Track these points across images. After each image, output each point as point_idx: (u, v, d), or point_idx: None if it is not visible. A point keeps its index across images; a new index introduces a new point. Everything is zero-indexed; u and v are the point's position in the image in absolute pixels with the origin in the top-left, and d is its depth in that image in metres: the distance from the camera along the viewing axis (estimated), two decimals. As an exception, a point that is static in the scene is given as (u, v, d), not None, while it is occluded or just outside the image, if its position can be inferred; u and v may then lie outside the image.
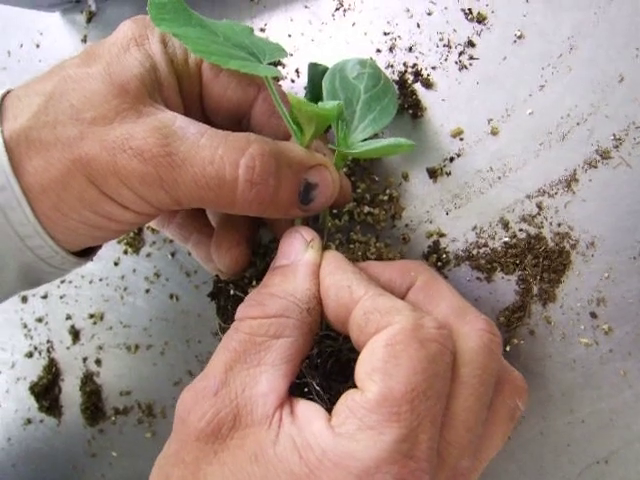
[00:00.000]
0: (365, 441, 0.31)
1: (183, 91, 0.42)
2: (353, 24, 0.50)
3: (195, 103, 0.44)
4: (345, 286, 0.38)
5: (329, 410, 0.47)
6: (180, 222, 0.49)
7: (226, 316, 0.47)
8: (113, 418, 0.60)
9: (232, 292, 0.47)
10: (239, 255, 0.46)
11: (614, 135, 0.42)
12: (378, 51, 0.49)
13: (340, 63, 0.46)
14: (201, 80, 0.43)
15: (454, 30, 0.47)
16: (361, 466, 0.30)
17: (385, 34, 0.49)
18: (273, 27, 0.53)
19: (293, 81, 0.52)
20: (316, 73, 0.41)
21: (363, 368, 0.35)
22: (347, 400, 0.35)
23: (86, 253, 0.44)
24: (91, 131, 0.37)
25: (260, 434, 0.33)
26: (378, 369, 0.33)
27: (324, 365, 0.46)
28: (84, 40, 0.62)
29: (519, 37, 0.45)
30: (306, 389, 0.48)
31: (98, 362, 0.61)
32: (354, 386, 0.45)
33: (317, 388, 0.46)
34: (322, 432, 0.33)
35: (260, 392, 0.35)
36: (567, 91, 0.44)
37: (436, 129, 0.47)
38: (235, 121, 0.45)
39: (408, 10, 0.48)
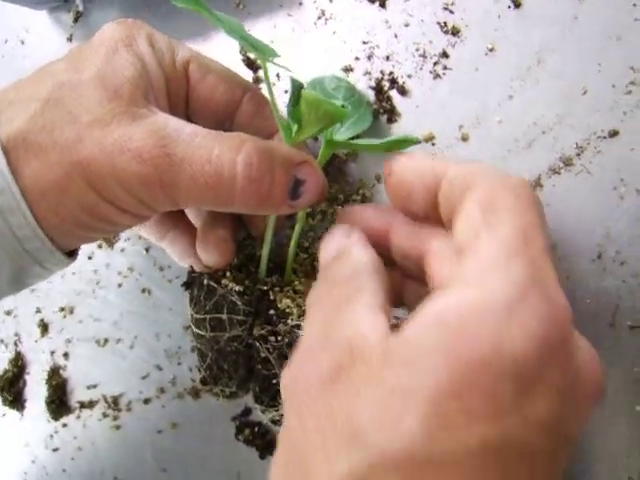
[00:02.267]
0: (493, 288, 0.28)
1: (170, 93, 0.43)
2: (334, 32, 0.52)
3: (180, 105, 0.45)
4: (429, 171, 0.36)
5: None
6: (157, 220, 0.50)
7: (198, 306, 0.48)
8: (78, 412, 0.60)
9: (206, 282, 0.48)
10: (226, 251, 0.47)
11: (576, 144, 0.45)
12: (357, 59, 0.51)
13: (319, 77, 0.50)
14: (188, 82, 0.44)
15: (430, 41, 0.49)
16: (499, 309, 0.27)
17: (364, 43, 0.51)
18: (257, 33, 0.54)
19: (274, 84, 0.53)
20: (295, 86, 0.44)
21: (457, 240, 0.32)
22: (449, 276, 0.32)
23: (72, 252, 0.44)
24: (89, 134, 0.37)
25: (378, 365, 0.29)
26: (479, 227, 0.31)
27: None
28: (70, 39, 0.63)
29: (491, 50, 0.47)
30: (275, 380, 0.49)
31: (66, 355, 0.61)
32: None
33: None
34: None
35: (362, 330, 0.31)
36: (534, 101, 0.46)
37: (409, 133, 0.49)
38: (219, 123, 0.46)
39: (387, 21, 0.50)
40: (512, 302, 0.27)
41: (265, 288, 0.49)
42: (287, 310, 0.48)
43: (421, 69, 0.49)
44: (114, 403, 0.59)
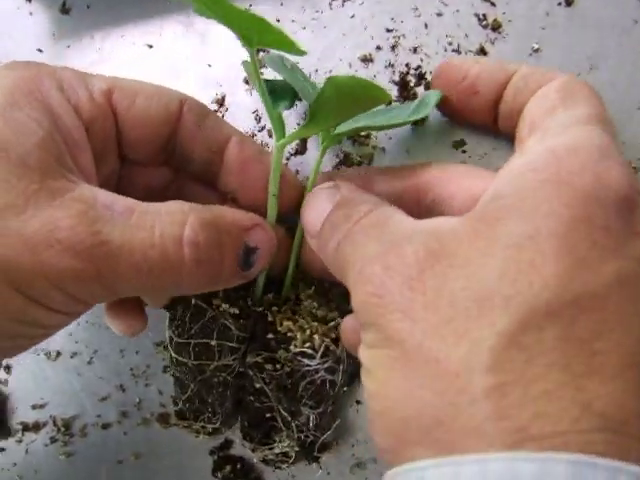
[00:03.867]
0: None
1: (93, 138, 0.36)
2: (352, 16, 0.45)
3: (109, 145, 0.38)
4: (497, 67, 0.38)
5: (297, 441, 0.42)
6: None
7: (181, 329, 0.41)
8: (20, 435, 0.51)
9: (193, 301, 0.41)
10: (133, 323, 0.42)
11: (629, 163, 0.40)
12: (378, 48, 0.45)
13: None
14: (115, 115, 0.38)
15: (465, 35, 0.43)
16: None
17: (388, 31, 0.45)
18: (260, 8, 0.47)
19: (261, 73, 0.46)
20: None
21: (530, 120, 0.34)
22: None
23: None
24: (2, 227, 0.30)
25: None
26: (556, 105, 0.33)
27: (295, 387, 0.41)
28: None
29: (536, 50, 0.42)
30: (269, 414, 0.43)
31: (7, 368, 0.52)
32: (326, 413, 0.40)
33: (284, 414, 0.41)
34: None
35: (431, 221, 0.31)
36: (583, 112, 0.41)
37: (437, 138, 0.43)
38: (159, 149, 0.40)
39: (416, 8, 0.44)
40: (602, 147, 0.29)
41: (261, 309, 0.43)
42: (289, 334, 0.41)
43: (454, 66, 0.43)
44: (65, 427, 0.50)
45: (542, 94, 0.34)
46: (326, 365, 0.40)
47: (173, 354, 0.42)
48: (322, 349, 0.40)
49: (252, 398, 0.42)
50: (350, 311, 0.39)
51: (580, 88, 0.33)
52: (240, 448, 0.47)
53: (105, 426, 0.50)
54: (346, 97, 0.33)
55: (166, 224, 0.33)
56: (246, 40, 0.32)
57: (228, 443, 0.47)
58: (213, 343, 0.41)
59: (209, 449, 0.47)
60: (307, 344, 0.40)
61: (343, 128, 0.38)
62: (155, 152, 0.40)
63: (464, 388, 0.25)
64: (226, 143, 0.40)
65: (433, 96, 0.39)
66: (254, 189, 0.40)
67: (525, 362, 0.25)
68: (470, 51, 0.43)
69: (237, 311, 0.41)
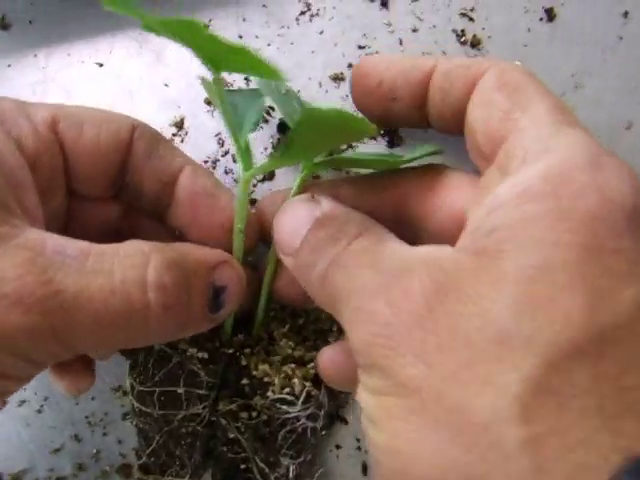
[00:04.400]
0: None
1: (38, 175, 0.33)
2: (321, 32, 0.42)
3: (56, 180, 0.34)
4: (410, 66, 0.34)
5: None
6: None
7: (144, 376, 0.38)
8: (-38, 494, 0.47)
9: (157, 347, 0.37)
10: (81, 379, 0.39)
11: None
12: (350, 66, 0.42)
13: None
14: (62, 147, 0.34)
15: (443, 52, 0.41)
16: None
17: (360, 47, 0.42)
18: (220, 24, 0.44)
19: (241, 90, 0.43)
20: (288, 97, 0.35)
21: (489, 135, 0.31)
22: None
23: None
24: None
25: None
26: (509, 109, 0.30)
27: (273, 436, 0.37)
28: None
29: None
30: (244, 466, 0.39)
31: (-54, 419, 0.48)
32: (306, 462, 0.37)
33: (261, 465, 0.38)
34: None
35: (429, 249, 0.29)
36: (570, 133, 0.39)
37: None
38: (109, 181, 0.36)
39: (389, 24, 0.41)
40: (592, 155, 0.26)
41: (231, 351, 0.39)
42: (265, 379, 0.38)
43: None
44: (14, 483, 0.46)
45: (484, 99, 0.31)
46: (308, 412, 0.37)
47: (136, 403, 0.38)
48: (304, 395, 0.37)
49: (225, 449, 0.39)
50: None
51: (518, 77, 0.31)
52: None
53: (59, 481, 0.46)
54: (326, 130, 0.30)
55: (126, 267, 0.29)
56: (211, 63, 0.28)
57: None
58: (180, 391, 0.37)
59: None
60: (286, 389, 0.37)
61: (325, 158, 0.35)
62: (105, 185, 0.36)
63: (496, 442, 0.23)
64: (178, 174, 0.36)
65: (429, 148, 0.36)
66: (206, 226, 0.37)
67: (558, 409, 0.23)
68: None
69: (206, 355, 0.37)
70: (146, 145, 0.36)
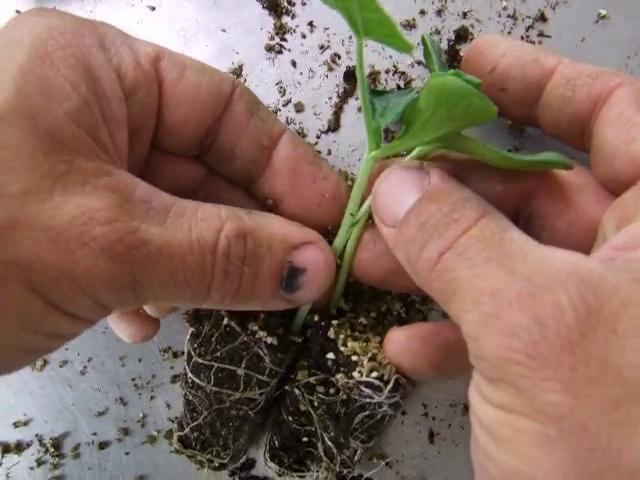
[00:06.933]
0: None
1: (131, 111, 0.31)
2: (391, -25, 0.40)
3: (147, 123, 0.33)
4: (531, 60, 0.32)
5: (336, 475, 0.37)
6: None
7: (205, 347, 0.36)
8: (-1, 457, 0.45)
9: (226, 321, 0.35)
10: (144, 326, 0.38)
11: None
12: (422, 13, 0.40)
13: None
14: (160, 86, 0.32)
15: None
16: None
17: (431, -6, 0.40)
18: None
19: (304, 36, 0.41)
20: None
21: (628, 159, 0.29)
22: None
23: None
24: (25, 214, 0.24)
25: None
26: None
27: (349, 418, 0.35)
28: None
29: (602, 17, 0.38)
30: (306, 439, 0.37)
31: (-18, 380, 0.45)
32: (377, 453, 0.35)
33: (329, 443, 0.36)
34: None
35: (570, 260, 0.25)
36: (657, 86, 0.37)
37: (492, 115, 0.38)
38: (199, 136, 0.34)
39: (464, -32, 0.39)
40: None
41: (300, 340, 0.38)
42: (353, 358, 0.35)
43: (509, 33, 0.39)
44: (54, 447, 0.44)
45: (622, 119, 0.29)
46: (393, 400, 0.35)
47: (189, 374, 0.36)
48: (392, 383, 0.34)
49: (290, 418, 0.37)
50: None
51: None
52: (263, 469, 0.41)
53: (102, 445, 0.44)
54: (449, 104, 0.27)
55: (203, 229, 0.29)
56: (357, 30, 0.28)
57: (250, 463, 0.42)
58: (240, 372, 0.35)
59: (229, 470, 0.42)
60: (374, 373, 0.35)
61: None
62: (193, 140, 0.34)
63: None
64: (278, 139, 0.35)
65: (555, 157, 0.33)
66: (305, 195, 0.35)
67: None
68: (528, 17, 0.38)
69: (275, 342, 0.36)
70: (247, 105, 0.34)
